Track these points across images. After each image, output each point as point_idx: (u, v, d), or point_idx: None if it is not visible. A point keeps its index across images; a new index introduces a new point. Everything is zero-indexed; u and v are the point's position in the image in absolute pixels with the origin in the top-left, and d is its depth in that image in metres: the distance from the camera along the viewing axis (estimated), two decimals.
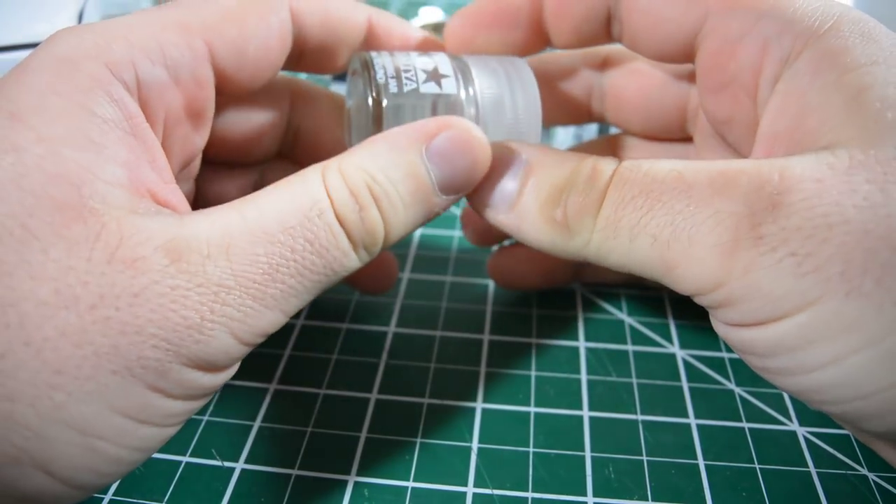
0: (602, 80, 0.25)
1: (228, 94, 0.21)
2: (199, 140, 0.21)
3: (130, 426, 0.15)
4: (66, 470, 0.15)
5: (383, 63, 0.20)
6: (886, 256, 0.13)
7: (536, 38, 0.23)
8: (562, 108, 0.26)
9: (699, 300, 0.16)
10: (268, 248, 0.16)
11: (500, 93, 0.20)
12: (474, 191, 0.19)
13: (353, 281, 0.28)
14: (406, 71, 0.20)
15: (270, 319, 0.17)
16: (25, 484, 0.15)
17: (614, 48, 0.25)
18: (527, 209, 0.18)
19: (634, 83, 0.24)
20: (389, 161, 0.18)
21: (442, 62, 0.20)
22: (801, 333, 0.14)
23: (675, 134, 0.24)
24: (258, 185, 0.26)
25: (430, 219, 0.19)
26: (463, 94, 0.20)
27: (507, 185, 0.18)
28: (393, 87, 0.19)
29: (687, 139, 0.25)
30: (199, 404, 0.17)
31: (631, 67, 0.25)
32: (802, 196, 0.14)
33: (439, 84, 0.20)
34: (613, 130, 0.35)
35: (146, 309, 0.15)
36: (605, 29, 0.22)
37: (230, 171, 0.25)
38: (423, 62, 0.20)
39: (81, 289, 0.14)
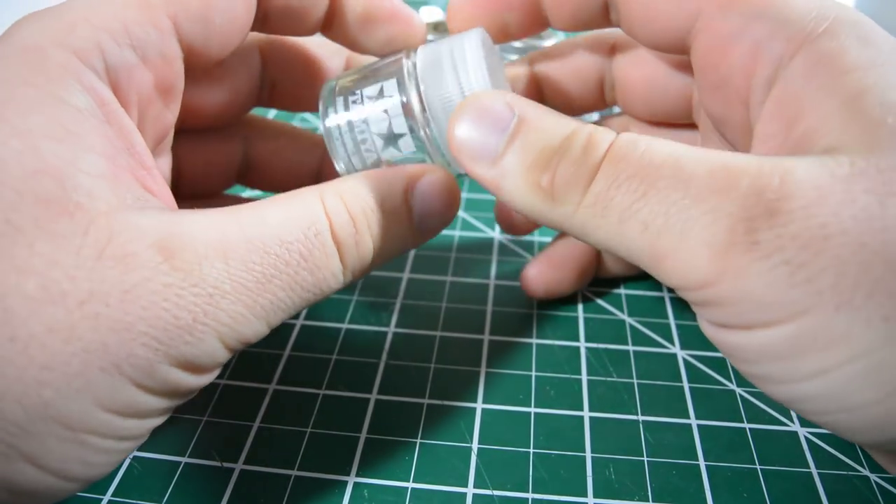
0: (611, 66, 0.25)
1: (198, 66, 0.20)
2: (171, 116, 0.20)
3: (116, 420, 0.15)
4: (55, 463, 0.15)
5: (342, 140, 0.21)
6: (879, 272, 0.13)
7: (535, 19, 0.23)
8: (578, 97, 0.25)
9: (684, 295, 0.16)
10: (263, 258, 0.16)
11: (450, 97, 0.20)
12: (458, 138, 0.17)
13: None
14: (363, 142, 0.20)
15: (256, 329, 0.17)
16: (17, 477, 0.14)
17: (622, 34, 0.25)
18: (510, 168, 0.17)
19: (640, 71, 0.24)
20: (383, 195, 0.19)
21: (394, 110, 0.20)
22: (789, 343, 0.14)
23: (680, 120, 0.24)
24: (243, 155, 0.26)
25: (403, 252, 0.20)
26: (416, 146, 0.20)
27: (493, 138, 0.17)
28: (357, 165, 0.21)
29: (693, 125, 0.24)
30: (178, 402, 0.17)
31: (637, 54, 0.24)
32: (802, 204, 0.14)
33: (398, 147, 0.20)
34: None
35: (137, 306, 0.15)
36: (604, 13, 0.22)
37: (209, 140, 0.25)
38: (376, 119, 0.20)
39: (69, 284, 0.14)
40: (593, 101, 0.26)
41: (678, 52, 0.20)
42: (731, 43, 0.18)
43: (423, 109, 0.20)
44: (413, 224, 0.19)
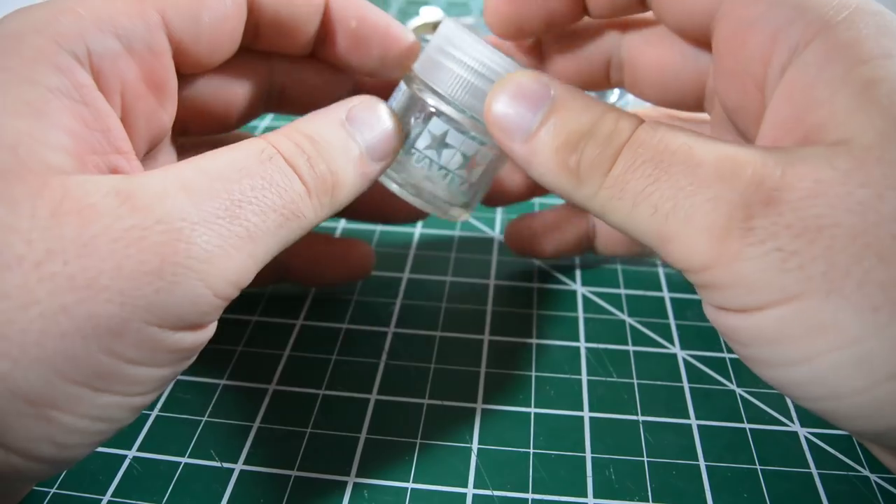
0: (621, 46, 0.25)
1: (190, 68, 0.20)
2: (166, 115, 0.20)
3: (86, 394, 0.14)
4: (21, 442, 0.14)
5: (419, 190, 0.21)
6: (870, 263, 0.14)
7: (574, 9, 0.23)
8: (581, 73, 0.25)
9: (688, 277, 0.16)
10: (226, 185, 0.16)
11: (461, 75, 0.20)
12: (495, 113, 0.18)
13: (331, 268, 0.28)
14: (430, 174, 0.21)
15: (239, 264, 0.16)
16: None
17: (636, 15, 0.25)
18: (542, 146, 0.18)
19: (653, 52, 0.24)
20: (322, 126, 0.19)
21: (424, 120, 0.21)
22: (780, 326, 0.15)
23: (689, 108, 0.24)
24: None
25: (369, 183, 0.20)
26: (468, 136, 0.21)
27: (529, 116, 0.18)
28: (448, 197, 0.22)
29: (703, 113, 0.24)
30: (172, 371, 0.16)
31: (652, 34, 0.24)
32: (799, 195, 0.14)
33: (449, 144, 0.21)
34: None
35: (97, 258, 0.14)
36: (639, 1, 0.22)
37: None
38: (423, 140, 0.21)
39: (25, 247, 0.14)
40: (597, 80, 0.26)
41: (701, 38, 0.20)
42: (751, 28, 0.18)
43: (446, 101, 0.20)
44: (361, 149, 0.20)
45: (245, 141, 0.18)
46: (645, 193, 0.16)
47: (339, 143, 0.19)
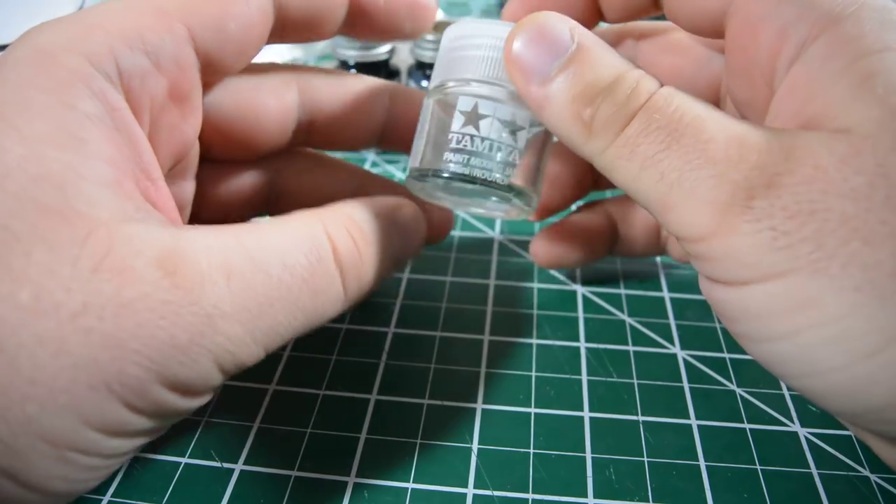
0: (636, 55, 0.25)
1: (215, 75, 0.20)
2: (189, 129, 0.20)
3: (102, 439, 0.15)
4: (37, 480, 0.14)
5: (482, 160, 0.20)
6: (856, 246, 0.14)
7: (590, 14, 0.23)
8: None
9: (685, 246, 0.17)
10: (265, 281, 0.16)
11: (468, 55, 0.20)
12: (513, 51, 0.18)
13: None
14: (476, 151, 0.20)
15: (252, 353, 0.16)
16: None
17: (649, 24, 0.25)
18: (556, 93, 0.17)
19: (667, 60, 0.24)
20: (379, 224, 0.19)
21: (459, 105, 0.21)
22: (766, 301, 0.15)
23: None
24: (272, 185, 0.26)
25: (378, 284, 0.20)
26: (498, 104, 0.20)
27: (547, 60, 0.17)
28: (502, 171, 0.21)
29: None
30: (167, 423, 0.17)
31: (665, 42, 0.24)
32: (797, 180, 0.15)
33: (484, 115, 0.20)
34: None
35: (132, 322, 0.14)
36: (653, 4, 0.22)
37: (236, 168, 0.25)
38: (457, 126, 0.20)
39: (64, 295, 0.14)
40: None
41: (714, 35, 0.20)
42: (761, 24, 0.18)
43: (468, 81, 0.20)
44: (395, 251, 0.20)
45: (302, 218, 0.18)
46: (654, 159, 0.16)
47: (383, 249, 0.19)
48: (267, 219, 0.18)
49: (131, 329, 0.14)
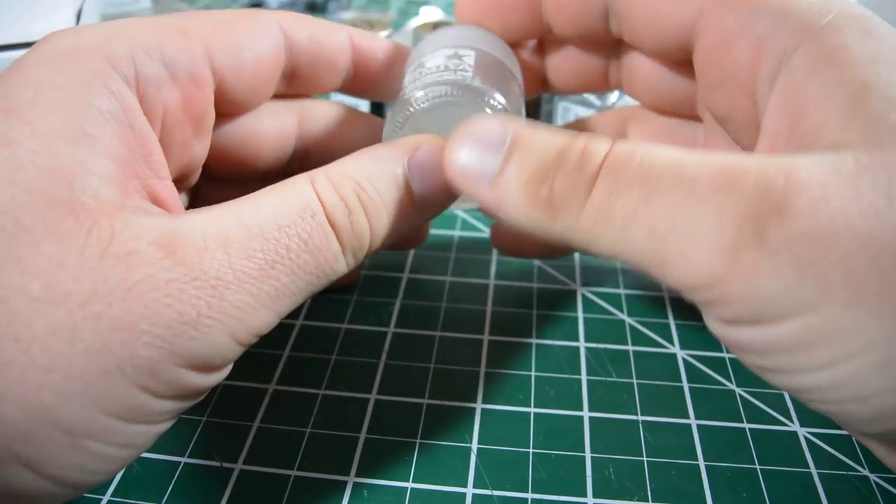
0: (619, 51, 0.25)
1: (230, 106, 0.21)
2: (199, 149, 0.21)
3: (119, 425, 0.15)
4: (53, 468, 0.15)
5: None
6: (889, 265, 0.13)
7: (536, 24, 0.23)
8: (579, 74, 0.25)
9: (690, 295, 0.16)
10: (264, 245, 0.16)
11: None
12: (455, 166, 0.17)
13: None
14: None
15: (264, 318, 0.17)
16: (13, 482, 0.14)
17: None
18: (509, 185, 0.17)
19: (647, 63, 0.24)
20: (375, 171, 0.18)
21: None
22: (799, 336, 0.14)
23: (686, 112, 0.24)
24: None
25: (407, 231, 0.20)
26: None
27: (491, 158, 0.17)
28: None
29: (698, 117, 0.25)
30: (189, 404, 0.17)
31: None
32: (808, 201, 0.14)
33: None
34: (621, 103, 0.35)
35: (139, 304, 0.15)
36: (604, 23, 0.22)
37: (231, 184, 0.25)
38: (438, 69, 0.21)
39: (73, 284, 0.14)
40: (596, 82, 0.26)
41: (680, 56, 0.20)
42: (735, 39, 0.18)
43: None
44: (413, 198, 0.19)
45: (290, 186, 0.18)
46: (636, 215, 0.15)
47: (389, 194, 0.19)
48: (265, 188, 0.18)
49: (139, 311, 0.14)
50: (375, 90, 0.25)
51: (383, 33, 0.41)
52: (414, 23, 0.41)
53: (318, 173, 0.18)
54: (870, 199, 0.14)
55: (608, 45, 0.24)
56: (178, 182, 0.21)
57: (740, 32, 0.18)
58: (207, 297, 0.15)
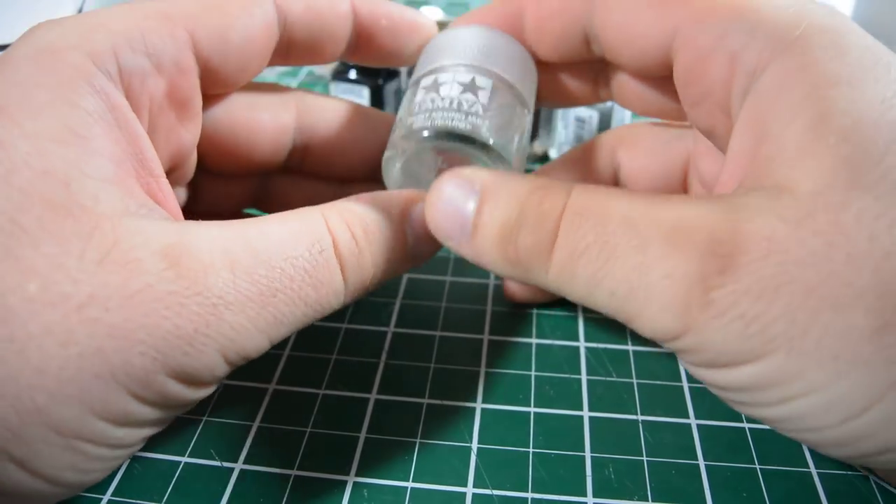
0: (606, 68, 0.25)
1: (216, 87, 0.21)
2: (188, 135, 0.20)
3: (109, 428, 0.15)
4: (46, 468, 0.15)
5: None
6: (827, 316, 0.14)
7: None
8: (569, 91, 0.25)
9: (662, 345, 0.17)
10: (269, 272, 0.16)
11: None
12: (434, 227, 0.18)
13: None
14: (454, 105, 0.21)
15: (258, 343, 0.17)
16: (5, 480, 0.14)
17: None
18: (483, 242, 0.17)
19: (633, 78, 0.24)
20: (383, 217, 0.19)
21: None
22: (752, 379, 0.15)
23: (678, 119, 0.24)
24: (258, 195, 0.26)
25: (396, 275, 0.21)
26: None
27: (464, 217, 0.17)
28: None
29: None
30: (175, 414, 0.17)
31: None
32: (752, 258, 0.14)
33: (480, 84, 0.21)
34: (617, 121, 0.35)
35: (138, 313, 0.14)
36: (586, 46, 0.22)
37: (228, 180, 0.25)
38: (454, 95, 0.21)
39: (71, 287, 0.14)
40: (587, 97, 0.26)
41: (661, 74, 0.20)
42: (709, 56, 0.18)
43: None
44: (407, 247, 0.20)
45: (302, 216, 0.18)
46: (596, 279, 0.16)
47: (391, 241, 0.19)
48: (269, 215, 0.18)
49: (137, 319, 0.14)
50: (380, 57, 0.24)
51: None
52: None
53: (330, 208, 0.18)
54: (811, 246, 0.14)
55: (594, 63, 0.24)
56: (171, 173, 0.21)
57: (714, 50, 0.18)
58: (207, 314, 0.15)
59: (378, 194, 0.20)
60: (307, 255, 0.17)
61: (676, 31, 0.19)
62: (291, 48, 0.22)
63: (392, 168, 0.21)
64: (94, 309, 0.14)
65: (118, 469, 0.22)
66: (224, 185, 0.25)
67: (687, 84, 0.19)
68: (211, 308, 0.15)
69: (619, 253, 0.15)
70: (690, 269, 0.15)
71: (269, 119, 0.23)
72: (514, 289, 0.28)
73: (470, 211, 0.17)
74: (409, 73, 0.42)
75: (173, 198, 0.19)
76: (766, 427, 0.23)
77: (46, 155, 0.15)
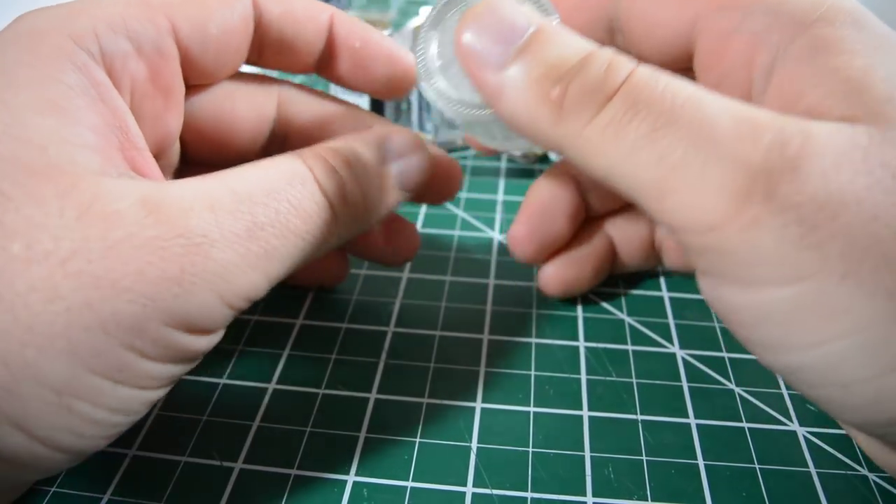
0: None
1: (197, 78, 0.21)
2: (172, 122, 0.21)
3: (107, 386, 0.15)
4: (42, 429, 0.14)
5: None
6: (889, 247, 0.13)
7: None
8: None
9: (684, 237, 0.15)
10: (251, 208, 0.16)
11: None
12: (465, 42, 0.17)
13: (373, 253, 0.27)
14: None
15: (253, 280, 0.16)
16: (2, 443, 0.14)
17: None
18: (516, 77, 0.16)
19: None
20: (362, 148, 0.19)
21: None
22: (789, 307, 0.14)
23: None
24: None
25: (388, 213, 0.21)
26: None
27: (503, 45, 0.16)
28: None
29: None
30: (182, 368, 0.17)
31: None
32: (822, 166, 0.13)
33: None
34: None
35: (120, 261, 0.14)
36: (610, 38, 0.22)
37: (213, 168, 0.25)
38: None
39: (53, 244, 0.14)
40: None
41: (683, 62, 0.20)
42: (730, 38, 0.18)
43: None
44: (391, 176, 0.20)
45: (280, 157, 0.18)
46: (649, 139, 0.15)
47: (374, 169, 0.19)
48: (245, 164, 0.18)
49: (120, 268, 0.14)
50: (346, 78, 0.24)
51: (383, 33, 0.41)
52: (414, 23, 0.41)
53: (306, 150, 0.18)
54: (879, 176, 0.13)
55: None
56: (156, 158, 0.21)
57: (735, 33, 0.18)
58: (192, 254, 0.15)
59: (353, 134, 0.20)
60: (288, 189, 0.17)
61: (697, 18, 0.19)
62: (263, 49, 0.22)
63: (426, 36, 0.21)
64: (77, 262, 0.14)
65: (119, 468, 0.22)
66: (203, 172, 0.25)
67: (708, 68, 0.19)
68: (195, 248, 0.15)
69: (681, 121, 0.14)
70: (759, 158, 0.14)
71: (247, 107, 0.23)
72: (553, 279, 0.27)
73: (519, 38, 0.16)
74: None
75: (158, 170, 0.19)
76: (766, 427, 0.23)
77: (26, 124, 0.15)
